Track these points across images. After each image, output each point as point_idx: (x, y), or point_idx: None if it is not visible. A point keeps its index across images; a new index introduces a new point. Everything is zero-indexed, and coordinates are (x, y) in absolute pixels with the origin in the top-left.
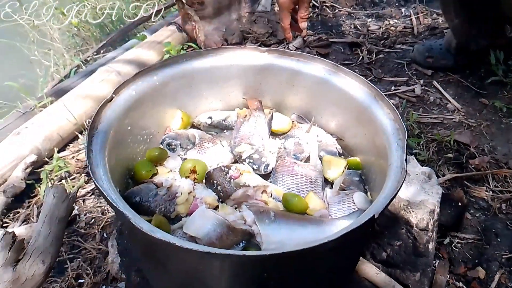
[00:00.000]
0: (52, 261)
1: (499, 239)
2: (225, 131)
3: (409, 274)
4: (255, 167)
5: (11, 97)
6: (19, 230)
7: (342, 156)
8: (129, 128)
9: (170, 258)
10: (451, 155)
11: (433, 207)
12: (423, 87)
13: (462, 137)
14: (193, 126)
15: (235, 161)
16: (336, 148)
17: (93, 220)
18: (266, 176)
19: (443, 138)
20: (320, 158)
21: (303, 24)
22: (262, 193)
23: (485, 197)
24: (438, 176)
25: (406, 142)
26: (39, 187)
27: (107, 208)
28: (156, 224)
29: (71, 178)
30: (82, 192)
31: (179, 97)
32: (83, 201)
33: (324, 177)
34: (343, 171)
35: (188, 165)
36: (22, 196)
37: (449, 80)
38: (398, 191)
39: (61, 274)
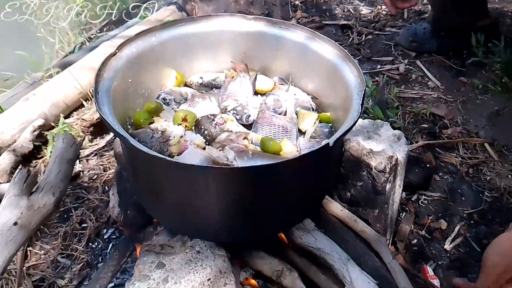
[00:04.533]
0: (61, 195)
1: (463, 198)
2: (214, 89)
3: (369, 211)
4: (238, 117)
5: (18, 70)
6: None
7: (316, 112)
8: (130, 80)
9: (163, 175)
10: (426, 126)
11: (391, 154)
12: (407, 66)
13: (438, 110)
14: (186, 85)
15: (221, 113)
16: (311, 105)
17: (95, 176)
18: (248, 127)
19: (420, 111)
20: (296, 113)
21: None
22: (243, 139)
23: (454, 163)
24: (411, 143)
25: (364, 91)
26: (46, 149)
27: (109, 166)
28: None
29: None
30: (86, 152)
31: (174, 58)
32: (87, 161)
33: (298, 128)
34: (315, 123)
35: (180, 114)
36: (30, 157)
37: (432, 61)
38: (352, 126)
39: (66, 220)
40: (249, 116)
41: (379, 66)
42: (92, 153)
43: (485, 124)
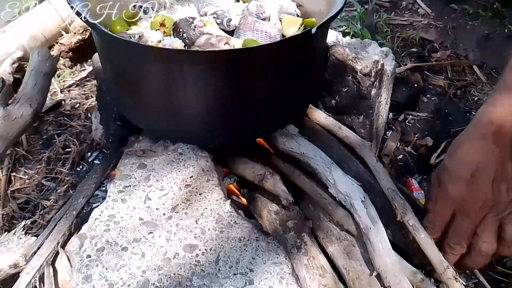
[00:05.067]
0: (39, 107)
1: (450, 118)
2: None
3: (354, 117)
4: (218, 21)
5: None
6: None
7: (301, 18)
8: None
9: (139, 71)
10: (415, 50)
11: (377, 59)
12: None
13: (427, 35)
14: None
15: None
16: (295, 11)
17: (78, 104)
18: (230, 34)
19: (409, 36)
20: (280, 20)
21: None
22: (225, 44)
23: (442, 85)
24: (399, 66)
25: None
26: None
27: (91, 95)
28: None
29: (57, 73)
30: (68, 82)
31: None
32: (69, 91)
33: (283, 34)
34: (300, 29)
35: (158, 19)
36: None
37: None
38: (337, 13)
39: (49, 146)
40: (230, 20)
41: None
42: (74, 83)
43: (474, 47)
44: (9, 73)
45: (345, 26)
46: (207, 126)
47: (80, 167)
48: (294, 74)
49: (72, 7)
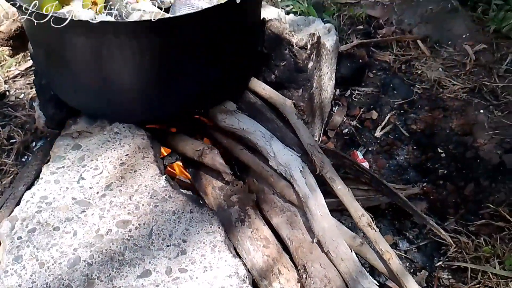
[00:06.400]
0: None
1: (395, 91)
2: None
3: (293, 91)
4: None
5: None
6: None
7: None
8: None
9: (68, 48)
10: (361, 27)
11: (313, 31)
12: None
13: (373, 11)
14: None
15: None
16: None
17: (22, 94)
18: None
19: (356, 14)
20: None
21: None
22: None
23: (388, 60)
24: (346, 43)
25: None
26: None
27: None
28: None
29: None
30: (12, 73)
31: None
32: (13, 82)
33: None
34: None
35: None
36: None
37: None
38: None
39: None
40: None
41: None
42: (19, 74)
43: (418, 22)
44: None
45: (291, 4)
46: (139, 102)
47: (25, 157)
48: (225, 47)
49: None
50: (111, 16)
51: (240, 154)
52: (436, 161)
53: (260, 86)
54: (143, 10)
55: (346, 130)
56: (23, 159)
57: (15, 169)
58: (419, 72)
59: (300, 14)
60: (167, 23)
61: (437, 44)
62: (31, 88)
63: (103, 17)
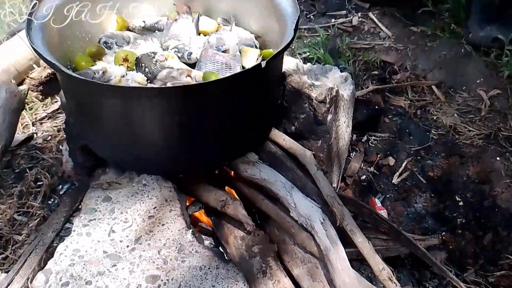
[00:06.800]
0: (7, 143)
1: (411, 137)
2: (156, 32)
3: (312, 142)
4: (179, 54)
5: None
6: None
7: (259, 49)
8: (68, 21)
9: (99, 105)
10: (376, 72)
11: (332, 86)
12: (360, 19)
13: (388, 57)
14: (127, 29)
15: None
16: (254, 42)
17: (49, 137)
18: (191, 67)
19: (371, 59)
20: (239, 50)
21: None
22: (186, 76)
23: (403, 105)
24: (362, 89)
25: (298, 17)
26: None
27: (62, 127)
28: None
29: (28, 106)
30: (40, 115)
31: (115, 1)
32: (41, 124)
33: (242, 65)
34: (257, 59)
35: (121, 54)
36: None
37: (384, 13)
38: (286, 47)
39: (21, 180)
40: (191, 53)
41: (333, 20)
42: (46, 116)
43: (433, 67)
44: None
45: (308, 51)
46: (168, 156)
47: (52, 200)
48: (250, 105)
49: (33, 48)
50: (142, 73)
51: (261, 204)
52: (454, 209)
53: (280, 137)
54: (171, 68)
55: (363, 177)
56: (49, 202)
57: (41, 212)
58: (435, 117)
59: (316, 61)
60: (197, 89)
61: (452, 89)
62: (58, 131)
63: (134, 74)
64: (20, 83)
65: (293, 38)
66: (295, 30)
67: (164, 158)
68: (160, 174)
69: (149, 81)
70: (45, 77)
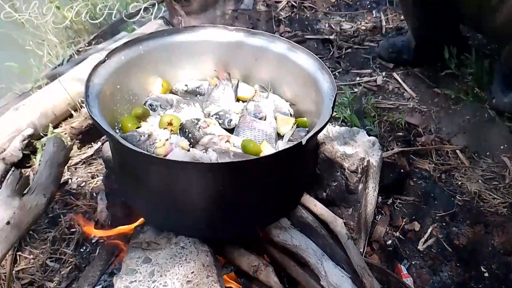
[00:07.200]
0: (52, 196)
1: (436, 202)
2: (198, 96)
3: (343, 209)
4: (220, 121)
5: (7, 81)
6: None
7: (294, 117)
8: (118, 86)
9: (147, 172)
10: (401, 134)
11: (363, 156)
12: (384, 78)
13: (412, 119)
14: (171, 92)
15: (205, 118)
16: (289, 110)
17: (83, 183)
18: (230, 132)
19: (395, 120)
20: (275, 118)
21: None
22: (226, 142)
23: (428, 168)
24: (387, 150)
25: (335, 96)
26: (34, 158)
27: (97, 173)
28: None
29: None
30: (74, 161)
31: (160, 66)
32: (75, 169)
33: (277, 132)
34: (292, 128)
35: (166, 118)
36: (19, 165)
37: (408, 73)
38: (323, 126)
39: (55, 225)
40: (231, 120)
41: (358, 78)
42: (80, 161)
43: (456, 131)
44: (19, 150)
45: (335, 111)
46: (208, 222)
47: (84, 247)
48: (287, 176)
49: (92, 117)
50: (185, 138)
51: (292, 270)
52: (479, 280)
53: (311, 202)
54: (213, 134)
55: (389, 242)
56: (81, 250)
57: (73, 259)
58: (459, 183)
59: (343, 121)
60: (242, 164)
61: (476, 155)
62: (92, 177)
63: (178, 138)
64: (56, 126)
65: (331, 117)
66: (333, 108)
67: (202, 224)
68: (197, 237)
69: (191, 146)
70: (85, 127)
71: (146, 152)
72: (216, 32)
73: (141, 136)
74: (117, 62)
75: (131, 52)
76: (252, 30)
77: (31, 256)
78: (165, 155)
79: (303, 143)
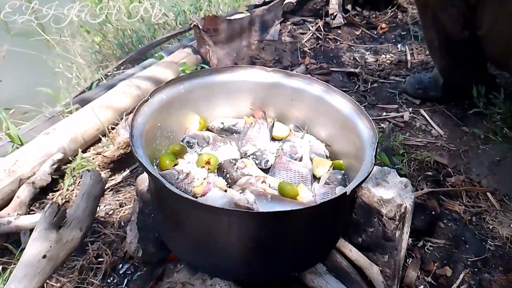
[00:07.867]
0: (87, 230)
1: (467, 246)
2: (234, 134)
3: (379, 256)
4: (257, 161)
5: (36, 103)
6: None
7: (329, 159)
8: (159, 124)
9: (189, 215)
10: (430, 173)
11: (400, 202)
12: (411, 114)
13: (441, 158)
14: (207, 129)
15: (242, 157)
16: (324, 151)
17: (112, 211)
18: (266, 172)
19: (424, 158)
20: (311, 159)
21: None
22: (262, 182)
23: (458, 210)
24: (416, 190)
25: (377, 144)
26: (63, 182)
27: (125, 202)
28: None
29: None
30: None
31: (198, 104)
32: (103, 195)
33: (313, 174)
34: (329, 170)
35: (204, 157)
36: (47, 189)
37: (435, 110)
38: (367, 176)
39: (83, 254)
40: (268, 161)
41: (384, 113)
42: (108, 188)
43: (487, 173)
44: (48, 174)
45: None
46: (244, 266)
47: (111, 278)
48: (326, 223)
49: (137, 159)
50: (223, 178)
51: None
52: None
53: (346, 248)
54: (250, 175)
55: (421, 287)
56: (108, 280)
57: None
58: (490, 226)
59: None
60: (288, 214)
61: (506, 198)
62: (120, 205)
63: (215, 178)
64: (84, 151)
65: (373, 167)
66: (375, 157)
67: (239, 267)
68: (232, 280)
69: (228, 186)
70: (117, 156)
71: (193, 198)
72: (254, 72)
73: (179, 174)
74: (159, 101)
75: (172, 91)
76: (290, 71)
77: (58, 284)
78: (203, 194)
79: (348, 193)
